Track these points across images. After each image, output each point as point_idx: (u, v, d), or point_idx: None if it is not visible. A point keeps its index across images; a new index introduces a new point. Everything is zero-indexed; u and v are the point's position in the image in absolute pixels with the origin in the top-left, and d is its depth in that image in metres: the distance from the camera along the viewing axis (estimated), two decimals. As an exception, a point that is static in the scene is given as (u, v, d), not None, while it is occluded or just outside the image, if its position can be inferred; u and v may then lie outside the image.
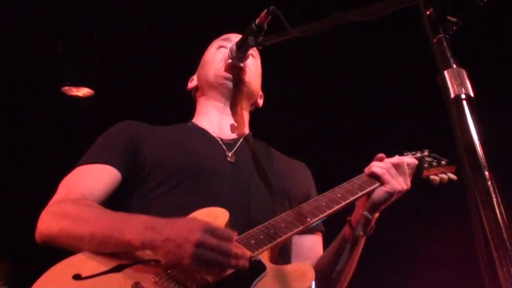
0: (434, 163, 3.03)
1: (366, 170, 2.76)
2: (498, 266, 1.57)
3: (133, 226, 2.36)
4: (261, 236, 2.51)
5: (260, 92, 3.30)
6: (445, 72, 1.82)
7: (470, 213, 1.65)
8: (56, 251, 2.59)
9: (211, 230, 2.26)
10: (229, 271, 2.28)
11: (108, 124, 3.05)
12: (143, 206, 2.72)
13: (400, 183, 2.70)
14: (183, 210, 2.60)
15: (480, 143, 1.71)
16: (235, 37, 3.15)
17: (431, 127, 2.84)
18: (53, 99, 6.51)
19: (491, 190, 1.64)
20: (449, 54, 1.86)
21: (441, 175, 3.03)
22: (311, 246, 2.99)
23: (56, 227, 2.54)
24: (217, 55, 3.15)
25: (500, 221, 1.60)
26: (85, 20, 5.78)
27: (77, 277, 2.33)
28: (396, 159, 2.79)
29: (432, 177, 3.02)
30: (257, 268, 2.42)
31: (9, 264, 4.65)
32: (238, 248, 2.30)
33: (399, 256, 7.24)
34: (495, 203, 1.62)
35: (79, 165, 2.82)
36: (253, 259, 2.41)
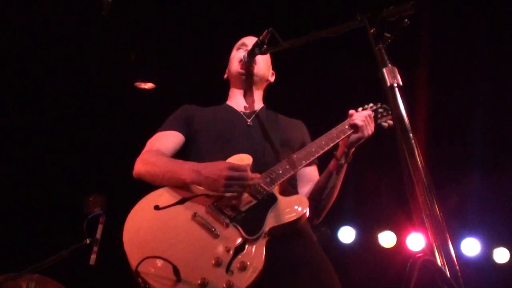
0: (385, 113, 2.98)
1: (350, 120, 2.77)
2: (419, 194, 1.60)
3: (185, 170, 2.51)
4: (273, 175, 2.58)
5: (271, 72, 3.25)
6: (384, 69, 1.83)
7: (401, 161, 1.68)
8: (135, 189, 2.66)
9: (233, 167, 2.41)
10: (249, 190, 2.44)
11: (165, 107, 3.11)
12: (198, 155, 2.78)
13: (370, 130, 2.77)
14: (221, 156, 2.67)
15: (407, 115, 1.73)
16: (248, 40, 3.15)
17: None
18: (128, 91, 6.57)
19: (414, 145, 1.66)
20: (386, 57, 1.87)
21: (389, 121, 2.98)
22: (311, 173, 2.98)
23: (143, 169, 2.69)
24: (237, 55, 3.12)
25: (420, 166, 1.63)
26: (148, 35, 5.79)
27: (156, 207, 2.43)
28: (368, 113, 2.80)
29: (383, 123, 2.98)
30: (272, 199, 2.48)
31: (103, 196, 4.69)
32: (252, 175, 2.45)
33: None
34: (416, 154, 1.65)
35: (159, 131, 2.94)
36: (270, 191, 2.49)
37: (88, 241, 4.13)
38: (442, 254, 1.53)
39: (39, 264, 4.02)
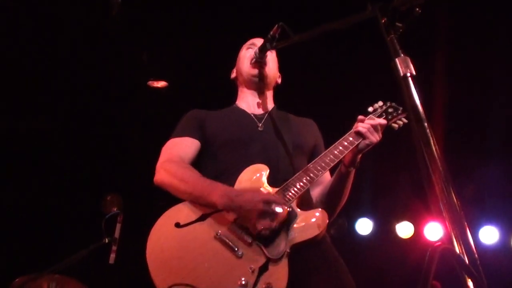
0: (394, 113, 2.88)
1: (354, 129, 2.71)
2: (435, 184, 1.59)
3: (217, 193, 2.44)
4: (292, 189, 2.54)
5: (278, 74, 3.20)
6: (396, 59, 1.82)
7: (417, 151, 1.67)
8: (151, 187, 2.67)
9: (268, 201, 2.36)
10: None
11: (179, 104, 3.09)
12: (210, 162, 2.79)
13: (375, 137, 2.69)
14: (234, 164, 2.68)
15: (421, 104, 1.72)
16: (257, 41, 3.11)
17: (388, 96, 2.81)
18: (141, 90, 6.61)
19: (429, 134, 1.66)
20: (398, 47, 1.86)
21: (399, 121, 2.90)
22: (324, 176, 2.88)
23: (168, 181, 2.64)
24: (247, 54, 3.09)
25: (436, 155, 1.62)
26: (160, 35, 5.81)
27: (177, 225, 2.43)
28: (373, 121, 2.72)
29: (393, 125, 2.89)
30: (292, 215, 2.46)
31: (120, 196, 4.71)
32: (284, 211, 2.38)
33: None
34: (431, 143, 1.64)
35: (173, 137, 2.89)
36: (289, 209, 2.45)
37: (106, 241, 4.17)
38: (461, 242, 1.52)
39: (59, 264, 4.07)
